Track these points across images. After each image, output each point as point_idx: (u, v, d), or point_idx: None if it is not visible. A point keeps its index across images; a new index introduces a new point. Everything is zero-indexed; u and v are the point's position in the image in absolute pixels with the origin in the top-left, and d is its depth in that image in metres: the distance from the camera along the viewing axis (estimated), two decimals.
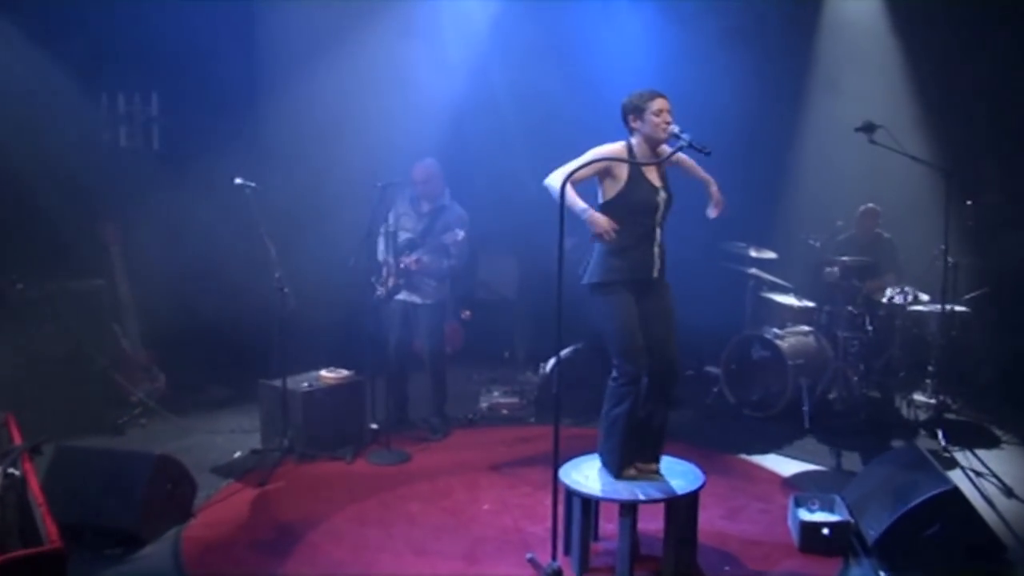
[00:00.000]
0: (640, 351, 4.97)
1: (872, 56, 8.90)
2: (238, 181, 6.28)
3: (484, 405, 7.83)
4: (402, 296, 6.99)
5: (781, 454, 6.80)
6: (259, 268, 6.57)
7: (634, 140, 5.01)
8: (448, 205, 7.05)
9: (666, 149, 5.00)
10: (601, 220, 4.84)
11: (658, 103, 4.92)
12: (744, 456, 6.76)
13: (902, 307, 7.60)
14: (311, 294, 7.12)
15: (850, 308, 7.59)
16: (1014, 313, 7.88)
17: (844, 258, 7.66)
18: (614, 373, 5.05)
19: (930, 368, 7.72)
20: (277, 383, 6.49)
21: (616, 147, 4.98)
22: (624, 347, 4.97)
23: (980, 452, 6.76)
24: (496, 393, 7.99)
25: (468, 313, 9.14)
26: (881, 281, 8.02)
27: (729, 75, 8.46)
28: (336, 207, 8.06)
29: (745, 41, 8.59)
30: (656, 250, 5.05)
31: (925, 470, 5.11)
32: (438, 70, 8.56)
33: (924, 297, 7.63)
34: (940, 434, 6.89)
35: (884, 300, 7.65)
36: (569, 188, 4.81)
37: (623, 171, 4.91)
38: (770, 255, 8.10)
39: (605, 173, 4.93)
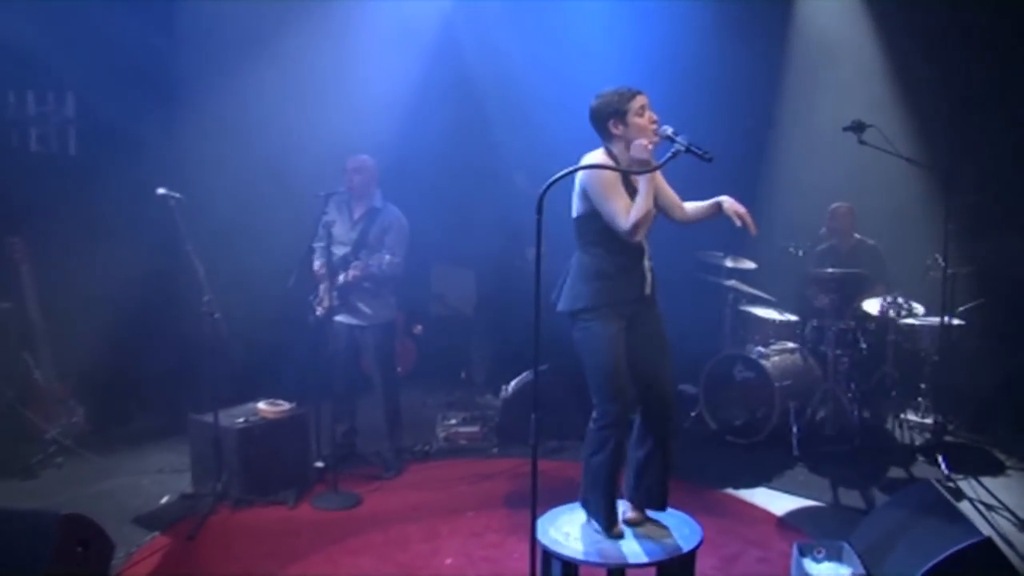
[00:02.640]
0: (626, 389, 4.35)
1: (848, 53, 8.33)
2: (162, 191, 5.57)
3: (441, 435, 7.10)
4: (343, 318, 6.29)
5: (771, 487, 6.18)
6: (187, 289, 5.82)
7: (615, 148, 4.35)
8: (381, 207, 6.39)
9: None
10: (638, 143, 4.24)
11: (639, 100, 4.28)
12: (731, 491, 6.12)
13: (895, 320, 7.03)
14: (246, 318, 6.42)
15: (840, 323, 6.99)
16: (1009, 324, 7.33)
17: (830, 270, 7.05)
18: (595, 414, 4.41)
19: (923, 386, 7.22)
20: (209, 419, 5.73)
21: (599, 155, 4.34)
22: (608, 384, 4.33)
23: (985, 480, 6.22)
24: (454, 421, 7.27)
25: (419, 328, 8.43)
26: (870, 294, 7.45)
27: (702, 67, 7.87)
28: (273, 220, 7.27)
29: (719, 32, 7.98)
30: (647, 263, 4.45)
31: (948, 515, 4.49)
32: (385, 67, 7.79)
33: (919, 309, 7.06)
34: (941, 461, 6.35)
35: (876, 313, 7.05)
36: (632, 214, 4.21)
37: (618, 179, 4.27)
38: (749, 265, 7.50)
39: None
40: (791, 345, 7.27)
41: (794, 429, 6.79)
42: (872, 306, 7.11)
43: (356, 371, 6.55)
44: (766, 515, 5.74)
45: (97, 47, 6.90)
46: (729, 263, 7.44)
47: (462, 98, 8.32)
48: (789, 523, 5.60)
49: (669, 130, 4.13)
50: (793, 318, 7.47)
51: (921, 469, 6.48)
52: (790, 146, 8.36)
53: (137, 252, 6.91)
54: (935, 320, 7.00)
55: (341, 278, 6.15)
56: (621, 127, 4.29)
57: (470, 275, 8.96)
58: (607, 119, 4.32)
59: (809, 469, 6.50)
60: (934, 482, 4.87)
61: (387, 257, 6.06)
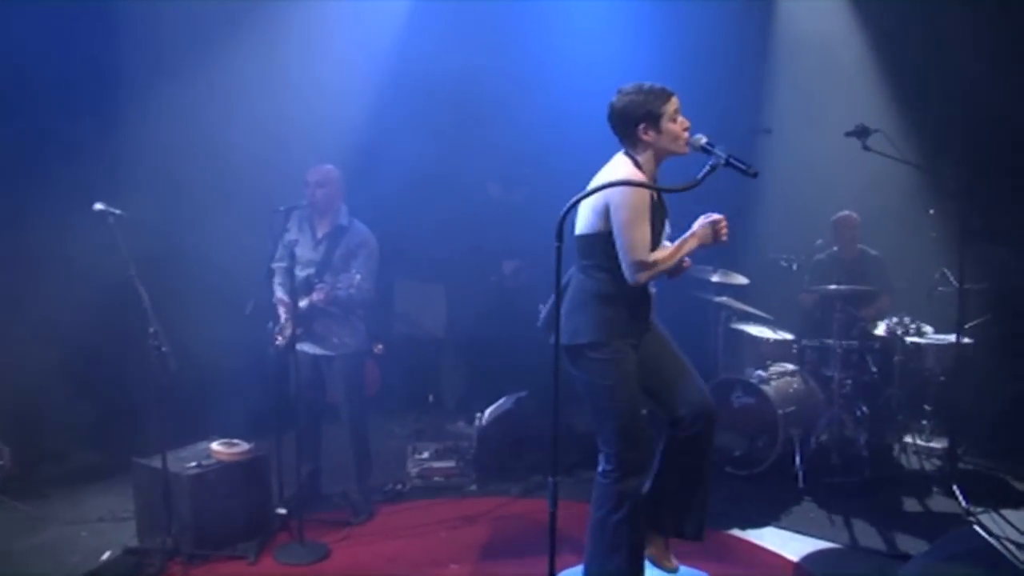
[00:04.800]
0: (645, 433, 3.83)
1: (835, 55, 7.88)
2: (100, 207, 4.90)
3: (413, 471, 6.46)
4: (306, 347, 5.66)
5: (781, 526, 5.63)
6: (130, 319, 5.13)
7: (641, 157, 3.80)
8: (347, 225, 5.77)
9: None
10: (711, 224, 3.85)
11: (674, 102, 3.76)
12: (738, 532, 5.56)
13: (901, 340, 6.55)
14: (198, 350, 5.73)
15: (845, 343, 6.49)
16: (1016, 341, 6.90)
17: (833, 287, 6.55)
18: (607, 464, 3.90)
19: (927, 407, 6.76)
20: (156, 463, 5.05)
21: (630, 168, 3.78)
22: (624, 430, 3.82)
23: (1008, 514, 5.73)
24: (426, 454, 6.64)
25: (380, 347, 7.78)
26: (876, 307, 6.98)
27: (684, 66, 7.30)
28: (227, 239, 6.57)
29: (704, 32, 7.50)
30: (651, 287, 3.94)
31: (998, 567, 4.02)
32: (345, 70, 7.14)
33: (927, 328, 6.59)
34: (958, 492, 5.87)
35: (883, 333, 6.58)
36: (654, 255, 3.80)
37: (648, 198, 3.72)
38: (741, 280, 6.98)
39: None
40: (790, 367, 6.76)
41: (798, 460, 6.27)
42: (879, 326, 6.64)
43: (321, 404, 5.92)
44: (780, 560, 5.18)
45: (27, 49, 6.17)
46: (716, 278, 6.91)
47: (428, 102, 7.65)
48: (807, 569, 5.06)
49: (703, 139, 3.59)
50: (788, 336, 6.98)
51: (938, 502, 6.00)
52: (778, 154, 7.86)
53: (73, 276, 6.24)
54: (942, 339, 6.56)
55: (304, 303, 5.52)
56: (652, 133, 3.75)
57: (439, 292, 8.29)
58: (638, 122, 3.77)
59: (818, 504, 5.96)
60: (977, 528, 4.42)
61: (357, 276, 5.42)
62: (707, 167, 3.44)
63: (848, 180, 7.25)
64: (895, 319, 6.56)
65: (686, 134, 3.75)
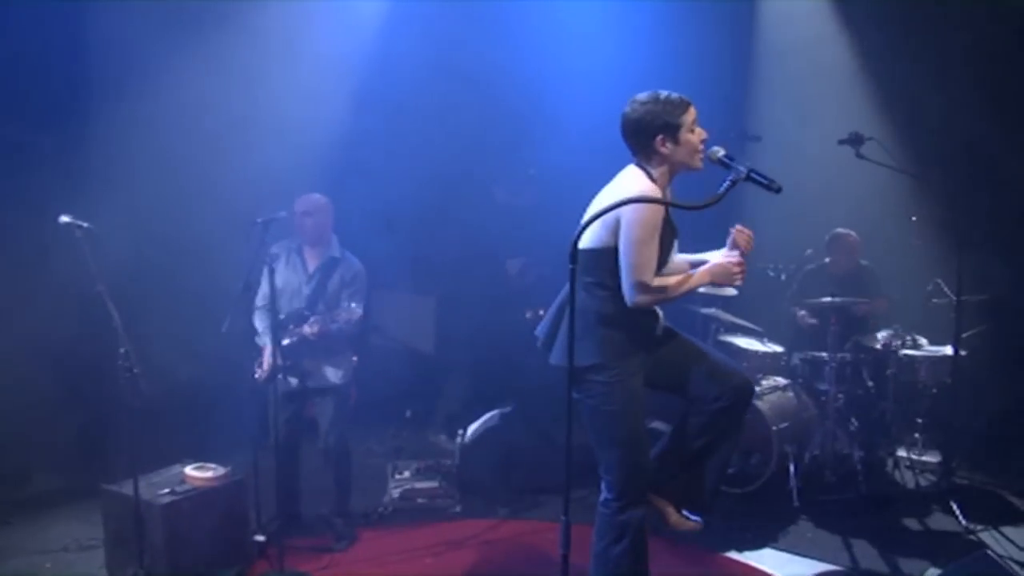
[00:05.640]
0: (649, 464, 3.62)
1: (819, 60, 7.73)
2: (66, 220, 4.62)
3: (395, 492, 6.19)
4: (294, 381, 5.45)
5: (779, 548, 5.45)
6: (99, 338, 4.85)
7: (656, 170, 3.59)
8: (340, 258, 5.56)
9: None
10: (728, 264, 3.68)
11: (692, 113, 3.55)
12: (735, 554, 5.36)
13: (895, 353, 6.39)
14: (171, 367, 5.47)
15: (839, 356, 6.33)
16: (1008, 353, 6.78)
17: (826, 299, 6.38)
18: (608, 493, 3.70)
19: (920, 421, 6.63)
20: (127, 490, 4.77)
21: (645, 183, 3.57)
22: (627, 459, 3.63)
23: (1008, 531, 5.61)
24: (407, 474, 6.37)
25: (354, 358, 7.52)
26: (873, 305, 6.81)
27: (666, 67, 7.11)
28: (200, 253, 6.30)
29: (686, 30, 7.31)
30: (660, 311, 3.79)
31: None
32: (327, 74, 6.89)
33: (923, 341, 6.44)
34: (956, 509, 5.74)
35: (878, 346, 6.42)
36: (660, 280, 3.61)
37: (660, 214, 3.51)
38: (729, 291, 6.78)
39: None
40: (783, 381, 6.58)
41: (793, 479, 6.09)
42: (875, 340, 6.48)
43: (302, 430, 5.67)
44: None
45: None
46: (706, 289, 6.68)
47: (414, 102, 7.38)
48: None
49: (721, 152, 3.39)
50: (778, 349, 6.82)
51: (936, 519, 5.85)
52: (766, 161, 7.67)
53: (39, 292, 5.96)
54: (936, 351, 6.42)
55: (293, 336, 5.32)
56: (671, 145, 3.54)
57: (429, 304, 8.00)
58: (655, 133, 3.56)
59: (815, 524, 5.79)
60: (991, 553, 4.26)
61: (358, 311, 5.27)
62: (727, 182, 3.23)
63: (837, 188, 7.10)
64: (890, 331, 6.40)
65: (702, 146, 3.56)
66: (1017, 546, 5.39)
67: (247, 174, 6.42)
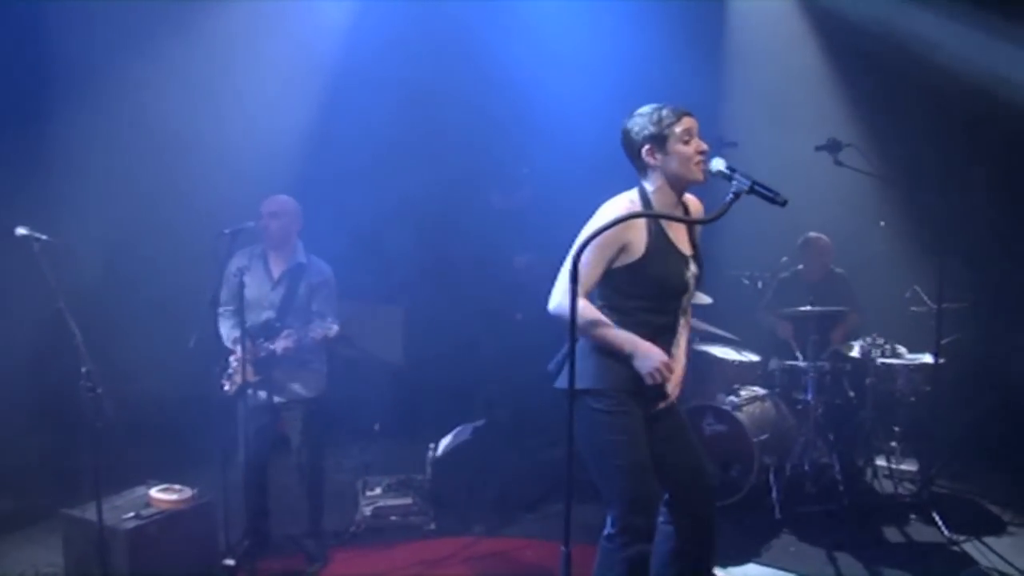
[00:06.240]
0: (655, 497, 3.49)
1: (789, 63, 7.67)
2: (22, 232, 4.40)
3: (367, 510, 6.00)
4: (264, 395, 5.19)
5: (763, 563, 5.34)
6: (60, 356, 4.61)
7: (651, 185, 3.47)
8: (307, 263, 5.33)
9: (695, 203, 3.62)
10: (654, 356, 3.41)
11: (685, 123, 3.41)
12: (719, 571, 5.22)
13: (873, 361, 6.33)
14: (136, 384, 5.25)
15: (818, 364, 6.25)
16: (983, 360, 6.76)
17: (804, 308, 6.30)
18: (611, 528, 3.53)
19: (897, 429, 6.58)
20: (89, 515, 4.55)
21: (622, 204, 3.44)
22: (632, 491, 3.48)
23: (990, 541, 5.57)
24: (378, 490, 6.18)
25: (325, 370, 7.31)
26: (844, 327, 6.76)
27: (636, 68, 6.99)
28: (165, 265, 6.08)
29: (658, 29, 7.19)
30: (676, 351, 3.55)
31: None
32: (293, 78, 6.68)
33: (902, 349, 6.38)
34: (938, 520, 5.68)
35: (857, 354, 6.35)
36: (584, 304, 3.40)
37: (641, 233, 3.36)
38: (705, 300, 6.69)
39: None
40: (760, 391, 6.47)
41: (774, 489, 5.99)
42: (852, 348, 6.42)
43: (272, 446, 5.43)
44: None
45: None
46: None
47: (383, 102, 7.12)
48: None
49: (722, 164, 3.25)
50: (755, 358, 6.73)
51: (918, 530, 5.77)
52: (737, 166, 7.61)
53: None
54: (914, 359, 6.36)
55: (268, 349, 5.08)
56: (659, 156, 3.41)
57: (396, 314, 7.79)
58: (641, 146, 3.43)
59: (798, 537, 5.68)
60: (983, 568, 4.19)
61: (335, 328, 5.03)
62: (730, 195, 3.10)
63: (813, 195, 6.99)
64: (869, 339, 6.33)
65: (700, 157, 3.42)
66: (1000, 556, 5.34)
67: (212, 181, 6.20)
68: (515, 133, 7.03)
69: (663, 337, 3.54)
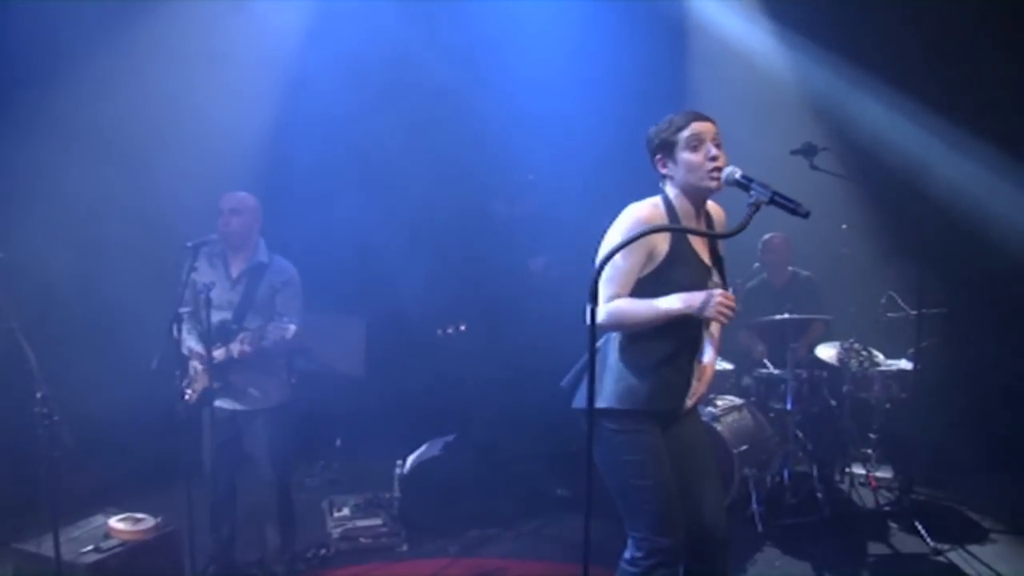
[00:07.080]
0: (680, 518, 3.29)
1: (752, 63, 7.56)
2: None
3: (336, 532, 5.75)
4: (223, 403, 4.86)
5: None
6: (13, 380, 4.31)
7: (671, 192, 3.31)
8: (268, 262, 4.98)
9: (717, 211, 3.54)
10: (708, 298, 3.21)
11: (693, 128, 3.23)
12: None
13: (849, 369, 6.23)
14: (95, 408, 4.95)
15: (795, 372, 6.13)
16: (959, 365, 6.70)
17: (778, 316, 6.19)
18: (635, 551, 3.36)
19: (872, 436, 6.49)
20: (46, 551, 4.26)
21: (645, 212, 3.26)
22: (659, 512, 3.32)
23: (974, 549, 5.50)
24: (347, 511, 5.96)
25: (293, 380, 7.01)
26: (809, 336, 6.66)
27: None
28: (125, 282, 5.74)
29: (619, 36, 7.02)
30: (695, 367, 3.38)
31: None
32: (256, 81, 6.40)
33: (879, 356, 6.28)
34: (921, 529, 5.60)
35: (835, 362, 6.25)
36: (622, 303, 3.25)
37: (665, 238, 3.20)
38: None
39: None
40: (737, 401, 6.35)
41: (754, 502, 5.86)
42: (827, 353, 6.32)
43: (238, 462, 5.10)
44: None
45: None
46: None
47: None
48: None
49: (737, 173, 3.09)
50: (728, 367, 6.60)
51: (901, 540, 5.68)
52: None
53: None
54: (890, 365, 6.28)
55: (219, 353, 4.74)
56: (670, 165, 3.26)
57: (358, 325, 7.50)
58: (654, 154, 3.32)
59: (782, 551, 5.55)
60: None
61: (291, 328, 4.69)
62: (749, 206, 2.93)
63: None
64: (846, 345, 6.23)
65: (711, 164, 3.23)
66: (987, 565, 5.27)
67: (170, 190, 5.91)
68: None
69: (683, 351, 3.39)
